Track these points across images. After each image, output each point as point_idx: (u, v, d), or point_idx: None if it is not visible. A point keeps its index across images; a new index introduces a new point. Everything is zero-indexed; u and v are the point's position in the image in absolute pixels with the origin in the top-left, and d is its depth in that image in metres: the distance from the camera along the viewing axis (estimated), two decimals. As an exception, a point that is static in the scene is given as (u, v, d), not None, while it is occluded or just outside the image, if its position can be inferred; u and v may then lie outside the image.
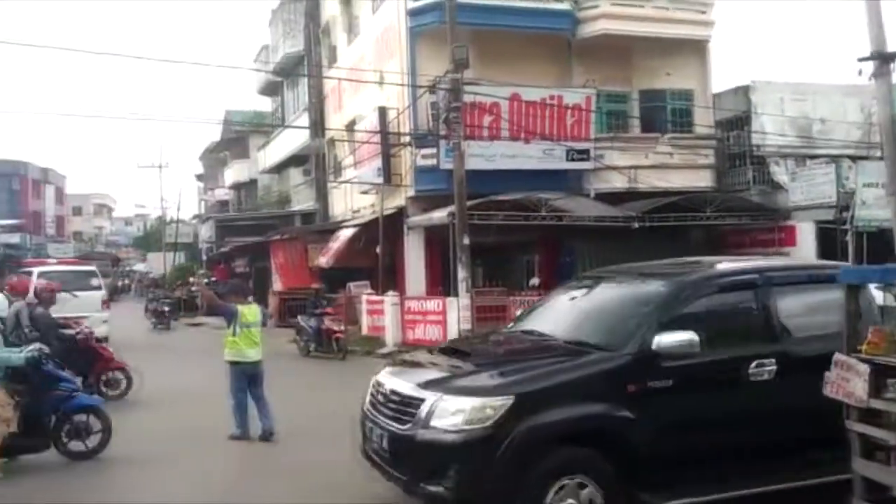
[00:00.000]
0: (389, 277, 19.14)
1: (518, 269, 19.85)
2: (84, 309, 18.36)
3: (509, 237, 17.62)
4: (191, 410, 10.47)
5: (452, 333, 14.70)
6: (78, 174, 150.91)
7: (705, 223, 18.14)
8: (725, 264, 6.50)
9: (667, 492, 5.15)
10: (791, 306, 5.89)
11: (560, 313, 6.53)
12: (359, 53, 22.46)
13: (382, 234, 18.75)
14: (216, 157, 48.66)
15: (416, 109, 17.93)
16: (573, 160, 18.14)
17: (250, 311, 9.00)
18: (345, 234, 21.18)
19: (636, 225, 17.05)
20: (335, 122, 24.92)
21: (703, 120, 20.05)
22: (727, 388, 5.47)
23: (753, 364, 5.46)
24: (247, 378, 8.77)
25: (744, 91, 19.88)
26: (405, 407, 5.26)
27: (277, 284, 25.28)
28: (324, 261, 21.52)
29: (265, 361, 8.99)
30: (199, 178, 57.01)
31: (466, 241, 14.96)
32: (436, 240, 18.05)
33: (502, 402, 4.89)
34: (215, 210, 46.01)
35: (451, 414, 4.94)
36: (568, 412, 5.05)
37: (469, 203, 15.27)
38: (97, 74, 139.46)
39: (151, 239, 59.18)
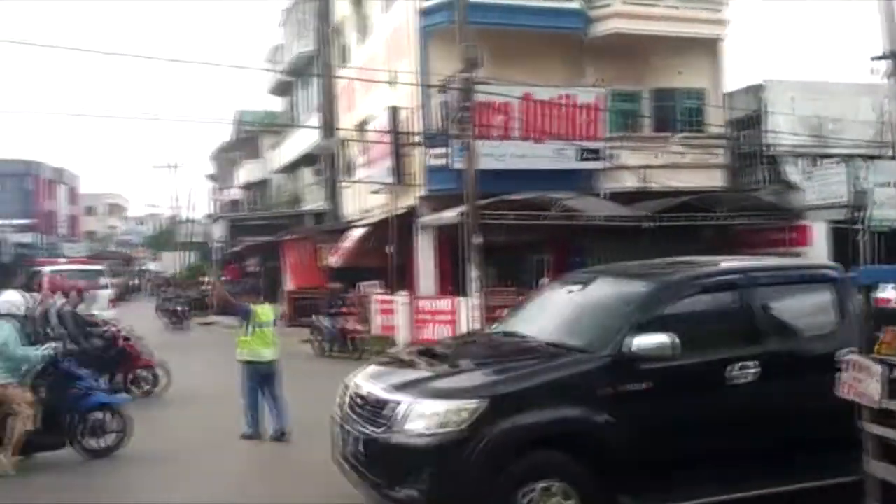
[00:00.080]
0: (400, 277, 19.16)
1: (529, 268, 19.81)
2: (93, 307, 18.61)
3: (520, 237, 17.59)
4: (210, 409, 10.56)
5: (464, 333, 14.70)
6: (91, 174, 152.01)
7: (717, 223, 18.06)
8: (710, 265, 6.35)
9: (646, 496, 5.07)
10: (776, 307, 5.81)
11: (542, 314, 6.46)
12: (370, 53, 22.49)
13: (393, 233, 18.77)
14: (228, 157, 48.83)
15: (428, 109, 17.94)
16: (585, 160, 18.08)
17: (264, 311, 9.04)
18: (356, 233, 21.21)
19: (648, 225, 16.99)
20: (346, 121, 24.96)
21: (716, 119, 19.95)
22: (708, 391, 5.37)
23: (735, 366, 5.36)
24: (261, 377, 8.79)
25: (756, 90, 19.77)
26: (378, 410, 5.19)
27: (289, 284, 25.35)
28: (334, 260, 21.57)
29: (281, 362, 9.02)
30: (212, 177, 57.21)
31: (478, 240, 14.96)
32: (447, 239, 18.05)
33: (475, 405, 4.83)
34: (227, 210, 46.16)
35: (424, 417, 4.88)
36: (542, 415, 4.96)
37: (480, 203, 15.27)
38: (110, 75, 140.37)
39: (163, 238, 59.44)
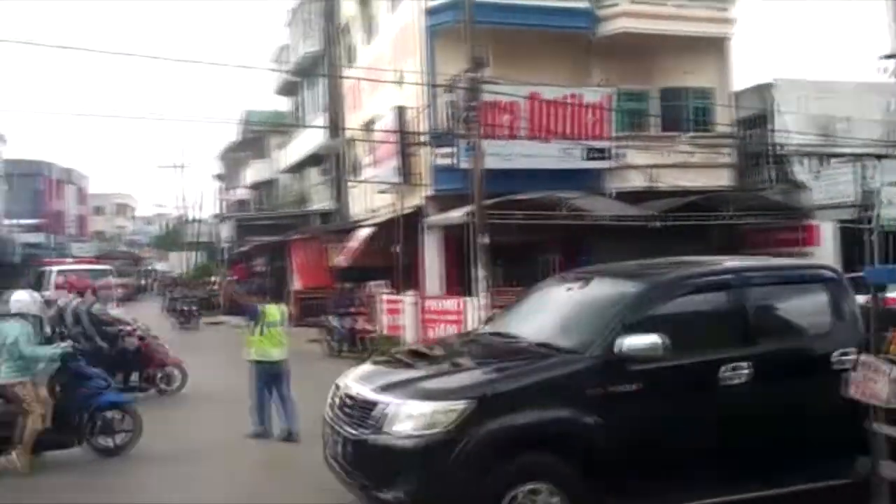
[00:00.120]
0: (407, 277, 19.15)
1: (536, 268, 19.72)
2: (107, 306, 18.70)
3: (528, 237, 17.56)
4: (220, 408, 10.58)
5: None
6: (100, 174, 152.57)
7: (726, 222, 17.99)
8: (703, 265, 6.27)
9: (635, 499, 5.03)
10: (769, 308, 5.75)
11: (533, 314, 6.40)
12: (377, 53, 22.49)
13: (400, 233, 18.76)
14: (235, 156, 48.95)
15: (434, 109, 17.93)
16: (592, 159, 18.06)
17: (273, 311, 9.05)
18: (363, 233, 21.21)
19: (656, 224, 16.93)
20: (353, 121, 24.97)
21: (724, 118, 19.88)
22: (699, 393, 5.30)
23: (727, 367, 5.29)
24: (269, 377, 8.80)
25: (765, 89, 19.73)
26: (364, 411, 5.15)
27: (296, 284, 25.37)
28: (342, 260, 21.57)
29: (292, 363, 9.03)
30: (219, 177, 57.37)
31: (485, 240, 14.93)
32: (454, 239, 18.03)
33: (462, 406, 4.78)
34: (234, 210, 46.26)
35: (409, 418, 4.84)
36: (529, 416, 4.90)
37: (487, 202, 15.24)
38: (118, 76, 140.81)
39: (171, 238, 59.61)
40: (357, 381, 5.58)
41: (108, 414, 8.11)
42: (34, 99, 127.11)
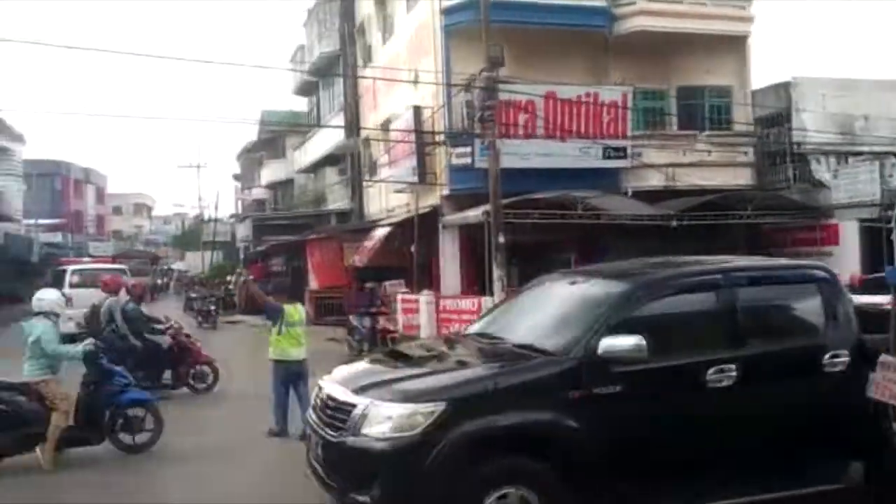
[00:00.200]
0: (424, 276, 19.16)
1: (553, 268, 19.55)
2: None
3: (545, 236, 17.52)
4: (246, 406, 10.65)
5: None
6: (119, 174, 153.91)
7: (745, 222, 17.86)
8: (690, 265, 6.14)
9: None
10: (757, 309, 5.60)
11: (518, 315, 6.30)
12: (393, 52, 22.52)
13: (417, 232, 18.78)
14: (253, 156, 49.18)
15: (451, 108, 17.92)
16: (609, 158, 17.98)
17: (295, 310, 9.10)
18: (379, 233, 21.24)
19: (673, 224, 16.83)
20: (370, 121, 25.02)
21: (743, 117, 19.73)
22: (684, 395, 5.18)
23: (713, 370, 5.16)
24: (290, 377, 8.86)
25: (784, 87, 19.56)
26: (339, 413, 5.08)
27: (313, 283, 25.46)
28: (358, 260, 21.62)
29: (314, 362, 9.07)
30: (236, 177, 57.69)
31: (502, 239, 14.91)
32: (470, 239, 18.02)
33: (433, 409, 4.69)
34: (252, 209, 46.51)
35: (382, 421, 4.76)
36: (504, 419, 4.79)
37: (504, 202, 15.21)
38: (138, 76, 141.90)
39: (189, 238, 60.05)
40: (337, 382, 5.49)
41: (131, 411, 8.22)
42: (53, 99, 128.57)
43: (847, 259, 17.00)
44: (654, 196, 18.07)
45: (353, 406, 4.95)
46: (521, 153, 16.88)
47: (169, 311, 27.99)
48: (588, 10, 18.38)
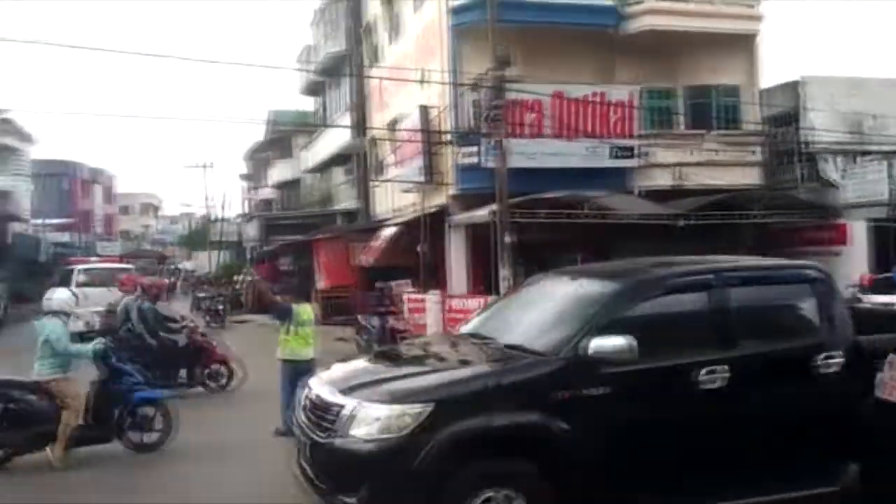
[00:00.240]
0: (431, 276, 19.15)
1: (560, 267, 19.66)
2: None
3: (552, 236, 17.49)
4: (258, 404, 10.63)
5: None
6: (127, 174, 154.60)
7: (754, 221, 17.79)
8: (681, 265, 6.06)
9: None
10: (749, 309, 5.51)
11: (509, 315, 6.23)
12: (401, 52, 22.53)
13: (424, 232, 18.77)
14: (260, 156, 49.32)
15: (459, 108, 17.91)
16: (617, 157, 17.95)
17: (305, 310, 9.10)
18: (387, 232, 21.26)
19: (682, 223, 16.78)
20: (378, 120, 25.03)
21: (752, 116, 19.66)
22: (673, 397, 5.10)
23: (703, 371, 5.07)
24: (299, 376, 8.85)
25: (793, 86, 19.49)
26: (326, 414, 5.01)
27: (321, 283, 25.49)
28: (366, 259, 21.64)
29: (325, 362, 9.06)
30: (245, 177, 57.84)
31: (509, 239, 14.89)
32: (478, 238, 18.00)
33: (420, 410, 4.64)
34: (260, 209, 46.63)
35: (369, 422, 4.70)
36: (490, 420, 4.73)
37: (511, 201, 15.20)
38: (146, 76, 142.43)
39: (197, 237, 60.23)
40: (325, 382, 5.43)
41: (143, 410, 8.25)
42: (62, 100, 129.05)
43: (856, 259, 16.94)
44: (663, 195, 18.03)
45: (341, 407, 4.90)
46: (528, 153, 16.88)
47: (180, 310, 28.16)
48: (596, 9, 18.33)
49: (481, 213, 16.76)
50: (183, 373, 11.78)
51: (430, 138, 18.90)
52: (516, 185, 15.26)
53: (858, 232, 17.41)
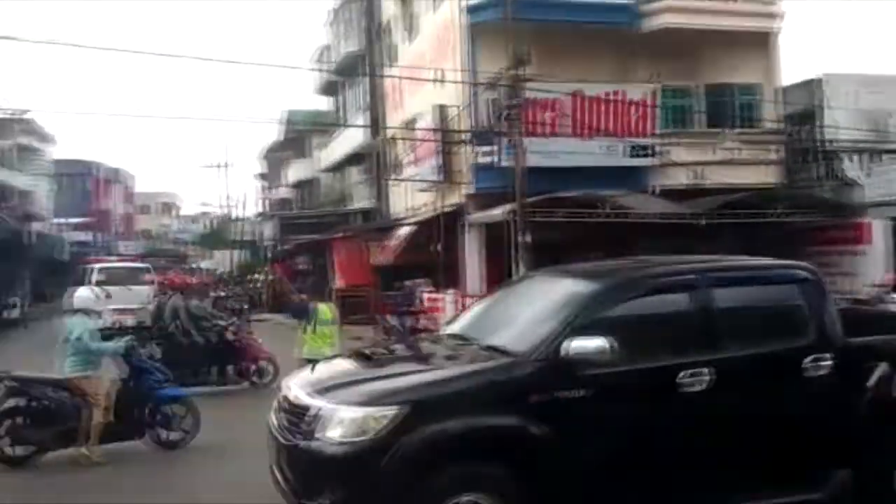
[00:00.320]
0: (447, 275, 19.14)
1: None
2: (135, 300, 19.62)
3: (568, 235, 17.40)
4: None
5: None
6: (146, 173, 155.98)
7: (774, 220, 17.61)
8: (666, 264, 5.94)
9: None
10: (734, 310, 5.34)
11: (492, 315, 6.09)
12: (418, 51, 22.52)
13: (440, 231, 18.75)
14: (277, 156, 49.50)
15: (476, 107, 17.88)
16: (636, 156, 17.87)
17: (328, 309, 9.13)
18: (403, 231, 21.27)
19: (701, 222, 16.64)
20: (394, 120, 25.05)
21: (772, 114, 19.48)
22: (655, 400, 4.95)
23: (685, 373, 4.92)
24: None
25: (814, 84, 19.30)
26: (296, 416, 4.92)
27: (337, 282, 25.53)
28: (382, 258, 21.66)
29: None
30: (262, 177, 58.10)
31: (526, 238, 14.85)
32: (493, 237, 17.96)
33: (393, 412, 4.51)
34: (276, 208, 46.79)
35: (341, 424, 4.58)
36: (464, 423, 4.60)
37: (528, 200, 15.15)
38: (164, 76, 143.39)
39: (215, 237, 60.60)
40: (296, 384, 5.33)
41: (167, 408, 8.32)
42: (81, 100, 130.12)
43: (879, 258, 16.74)
44: (681, 194, 17.90)
45: (308, 409, 4.81)
46: (546, 151, 16.81)
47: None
48: (614, 7, 18.25)
49: (497, 213, 16.72)
50: (230, 369, 12.00)
51: (445, 137, 18.89)
52: (532, 185, 15.21)
53: (881, 231, 17.20)
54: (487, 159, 17.29)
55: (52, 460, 7.79)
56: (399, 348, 6.41)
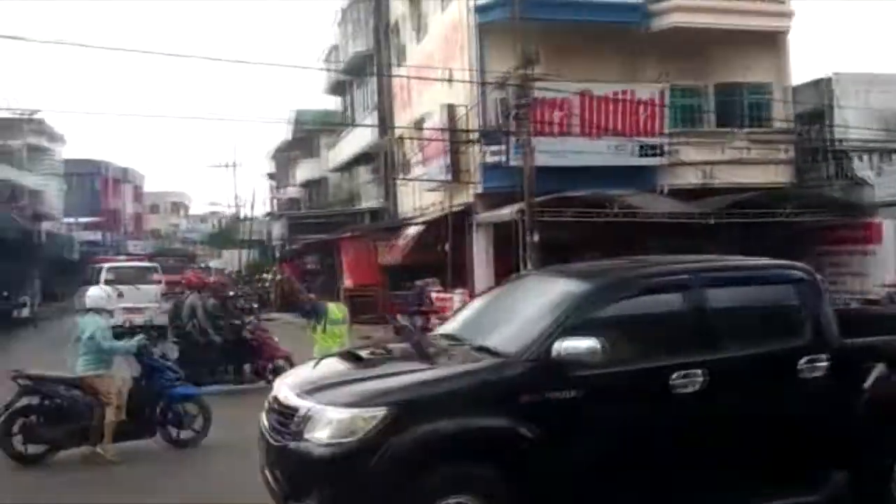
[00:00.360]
0: (456, 274, 19.15)
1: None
2: (143, 299, 19.76)
3: (577, 234, 17.40)
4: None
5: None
6: (156, 173, 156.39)
7: (783, 220, 17.54)
8: (659, 264, 5.90)
9: None
10: (728, 311, 5.29)
11: (484, 315, 6.03)
12: (426, 51, 22.53)
13: (449, 231, 18.77)
14: (286, 156, 49.58)
15: (484, 106, 17.88)
16: (645, 156, 17.83)
17: (339, 309, 9.16)
18: (412, 231, 21.29)
19: (710, 222, 16.60)
20: (403, 119, 25.07)
21: (782, 114, 19.41)
22: (647, 401, 4.89)
23: (678, 374, 4.86)
24: None
25: (824, 83, 19.21)
26: (283, 417, 4.90)
27: (346, 281, 25.58)
28: (391, 258, 21.68)
29: None
30: (271, 176, 58.20)
31: (535, 237, 14.84)
32: (503, 237, 17.95)
33: (381, 413, 4.45)
34: (285, 208, 46.89)
35: (328, 425, 4.53)
36: (452, 424, 4.55)
37: (537, 200, 15.14)
38: (173, 76, 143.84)
39: (225, 236, 60.78)
40: (288, 384, 5.31)
41: (180, 406, 8.37)
42: (92, 100, 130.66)
43: (889, 258, 16.66)
44: (691, 194, 17.86)
45: (300, 409, 4.76)
46: (555, 151, 16.79)
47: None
48: (623, 6, 18.21)
49: (506, 212, 16.72)
50: (247, 368, 12.08)
51: (454, 137, 18.90)
52: (541, 184, 15.21)
53: (890, 231, 17.12)
54: (496, 159, 17.29)
55: (65, 459, 7.85)
56: (391, 348, 6.35)
